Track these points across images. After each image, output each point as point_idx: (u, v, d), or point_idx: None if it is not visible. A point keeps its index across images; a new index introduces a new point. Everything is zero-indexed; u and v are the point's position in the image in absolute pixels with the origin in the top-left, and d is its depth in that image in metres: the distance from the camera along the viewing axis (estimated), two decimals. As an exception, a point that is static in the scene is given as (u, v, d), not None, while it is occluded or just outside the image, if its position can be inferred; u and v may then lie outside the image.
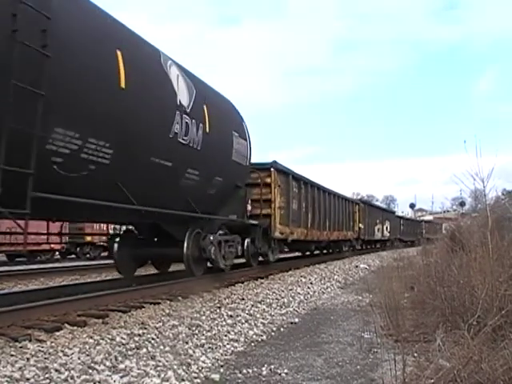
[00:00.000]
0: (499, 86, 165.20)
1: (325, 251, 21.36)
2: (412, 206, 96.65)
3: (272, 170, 12.57)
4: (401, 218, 43.01)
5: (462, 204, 46.79)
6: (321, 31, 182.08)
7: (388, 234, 32.38)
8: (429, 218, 64.91)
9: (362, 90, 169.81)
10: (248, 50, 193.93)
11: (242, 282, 9.80)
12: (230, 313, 6.49)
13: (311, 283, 10.84)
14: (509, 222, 7.95)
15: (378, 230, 29.35)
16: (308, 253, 19.84)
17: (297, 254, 19.96)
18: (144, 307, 6.44)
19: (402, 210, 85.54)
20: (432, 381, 3.22)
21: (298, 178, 15.00)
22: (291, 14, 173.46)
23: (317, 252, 20.61)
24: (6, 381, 3.38)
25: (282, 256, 17.63)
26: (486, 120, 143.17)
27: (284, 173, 13.53)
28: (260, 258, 12.73)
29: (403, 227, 39.99)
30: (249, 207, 11.80)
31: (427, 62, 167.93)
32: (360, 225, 24.22)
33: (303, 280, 11.23)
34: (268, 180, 12.45)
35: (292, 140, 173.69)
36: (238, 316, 6.36)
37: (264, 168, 12.53)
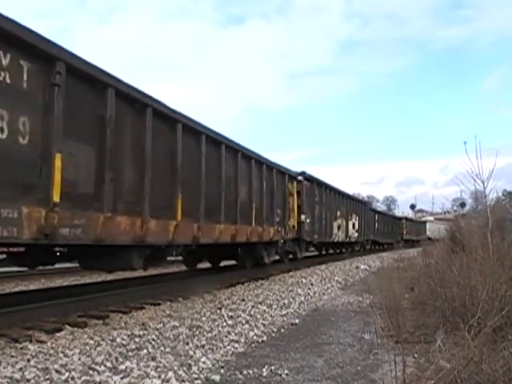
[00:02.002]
0: (503, 87, 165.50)
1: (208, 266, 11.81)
2: (413, 206, 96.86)
3: None
4: (376, 212, 32.17)
5: (463, 205, 46.76)
6: (323, 32, 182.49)
7: (356, 235, 22.78)
8: (429, 218, 64.83)
9: (364, 91, 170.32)
10: (250, 51, 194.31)
11: (243, 283, 9.81)
12: (230, 314, 6.49)
13: (312, 284, 10.84)
14: (509, 222, 7.95)
15: (339, 227, 19.35)
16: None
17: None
18: (144, 308, 6.45)
19: (403, 210, 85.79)
20: (432, 382, 3.22)
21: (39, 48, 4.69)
22: (294, 16, 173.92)
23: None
24: (7, 382, 3.38)
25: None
26: (487, 121, 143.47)
27: None
28: None
29: (379, 225, 30.14)
30: None
31: (430, 63, 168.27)
32: (302, 217, 14.43)
33: (304, 281, 11.23)
34: None
35: (292, 141, 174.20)
36: (238, 317, 6.36)
37: None
